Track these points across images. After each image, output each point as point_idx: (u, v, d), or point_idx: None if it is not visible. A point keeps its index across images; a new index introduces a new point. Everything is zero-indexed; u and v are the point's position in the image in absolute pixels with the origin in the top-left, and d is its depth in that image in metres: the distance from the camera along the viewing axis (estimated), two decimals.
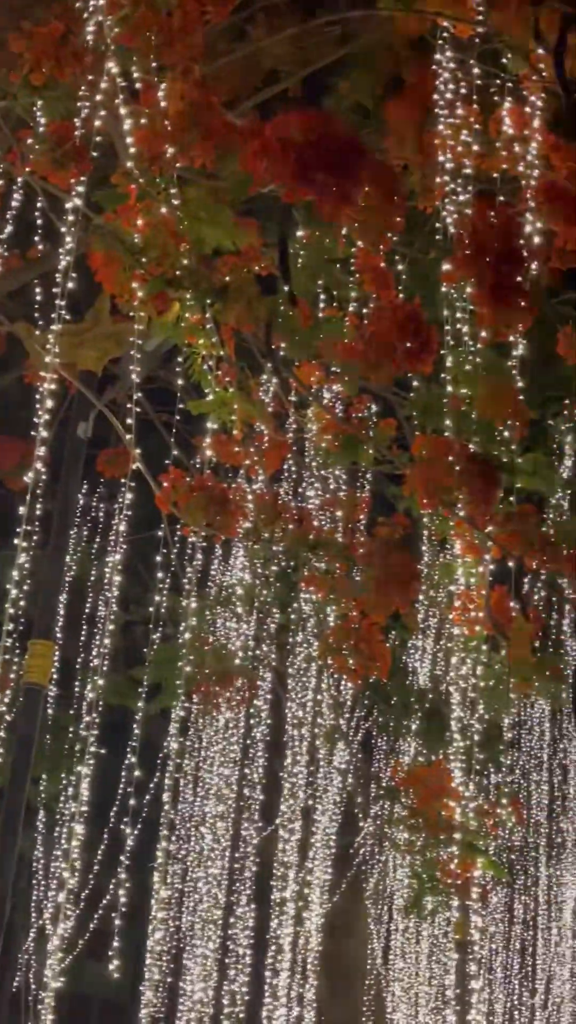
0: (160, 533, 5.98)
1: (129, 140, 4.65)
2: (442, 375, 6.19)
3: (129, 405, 5.34)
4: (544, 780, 18.11)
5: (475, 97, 5.69)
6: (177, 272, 4.50)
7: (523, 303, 4.50)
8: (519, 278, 4.46)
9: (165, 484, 5.10)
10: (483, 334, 5.16)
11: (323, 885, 14.32)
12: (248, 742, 12.03)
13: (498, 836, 15.57)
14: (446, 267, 4.67)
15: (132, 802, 7.61)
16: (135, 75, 4.78)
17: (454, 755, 6.53)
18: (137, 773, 8.39)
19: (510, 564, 6.35)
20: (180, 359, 5.47)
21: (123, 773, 9.79)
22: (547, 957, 19.11)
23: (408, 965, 16.40)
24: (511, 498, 6.25)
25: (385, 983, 16.88)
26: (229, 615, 7.91)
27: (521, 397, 6.28)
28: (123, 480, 5.25)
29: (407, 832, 6.88)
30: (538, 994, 19.03)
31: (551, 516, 8.88)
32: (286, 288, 5.05)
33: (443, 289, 5.48)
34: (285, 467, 8.68)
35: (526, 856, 18.76)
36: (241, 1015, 10.62)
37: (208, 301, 4.71)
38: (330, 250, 5.79)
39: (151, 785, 10.47)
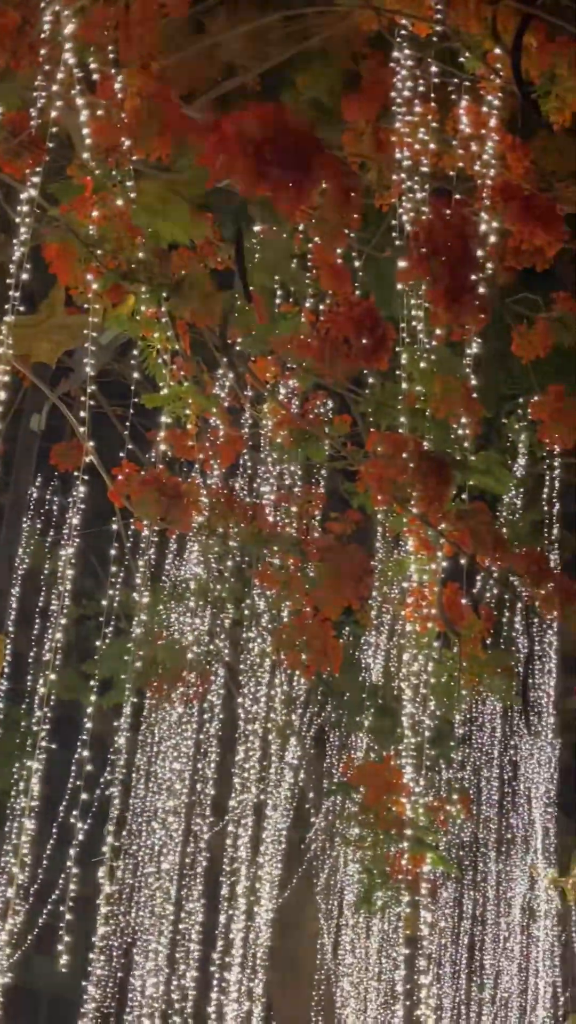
0: (114, 527, 5.96)
1: (85, 132, 4.63)
2: (397, 372, 6.22)
3: (83, 398, 5.32)
4: (494, 776, 18.24)
5: (432, 95, 5.71)
6: (132, 265, 4.48)
7: (478, 303, 4.53)
8: (474, 278, 4.48)
9: (119, 477, 5.09)
10: (438, 332, 5.18)
11: (273, 880, 14.34)
12: (200, 737, 12.02)
13: (448, 832, 15.67)
14: (401, 265, 4.68)
15: (83, 796, 7.58)
16: (92, 67, 4.75)
17: (405, 751, 6.56)
18: (88, 768, 8.36)
19: (462, 561, 6.39)
20: (135, 352, 5.46)
21: (74, 767, 9.76)
22: (496, 952, 19.26)
23: (358, 960, 16.47)
24: (463, 496, 6.29)
25: (335, 978, 16.94)
26: (182, 610, 7.90)
27: (475, 395, 6.32)
28: (76, 473, 5.24)
29: (358, 828, 6.91)
30: (487, 989, 19.18)
31: (503, 514, 8.95)
32: (242, 283, 5.05)
33: (399, 287, 5.50)
34: (240, 462, 8.70)
35: (475, 852, 18.89)
36: (190, 1010, 10.60)
37: (163, 295, 4.70)
38: (287, 246, 5.79)
39: (102, 780, 10.45)
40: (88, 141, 4.65)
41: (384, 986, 15.19)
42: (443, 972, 19.35)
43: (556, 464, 11.41)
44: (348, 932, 16.88)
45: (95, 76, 4.81)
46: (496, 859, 19.14)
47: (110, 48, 4.66)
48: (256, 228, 6.08)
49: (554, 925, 18.32)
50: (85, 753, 6.46)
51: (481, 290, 4.60)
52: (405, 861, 6.49)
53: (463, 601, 6.63)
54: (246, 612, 9.27)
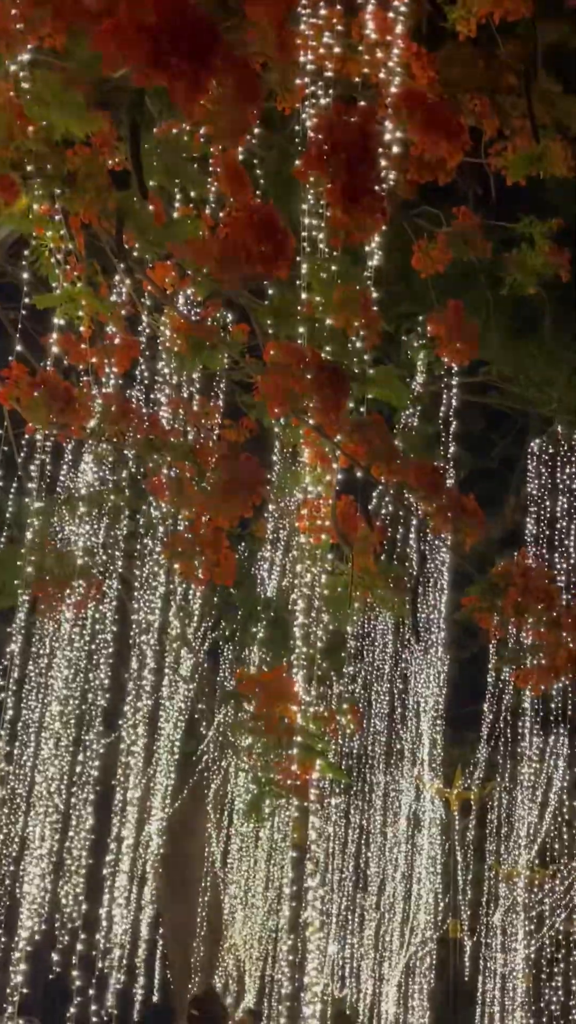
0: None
1: None
2: (297, 282, 6.15)
3: None
4: (384, 691, 18.59)
5: None
6: (24, 157, 4.33)
7: (376, 206, 4.47)
8: (373, 181, 4.42)
9: (7, 380, 4.97)
10: (338, 236, 5.11)
11: (165, 791, 14.48)
12: (93, 647, 12.00)
13: (338, 743, 15.94)
14: (299, 163, 4.60)
15: None
16: None
17: (296, 661, 6.61)
18: None
19: (358, 474, 6.40)
20: (27, 253, 5.31)
21: None
22: (381, 861, 19.79)
23: (247, 867, 16.80)
24: (362, 409, 6.29)
25: (224, 885, 17.25)
26: (75, 519, 7.81)
27: (374, 308, 6.28)
28: None
29: (249, 736, 6.97)
30: (371, 895, 19.73)
31: (400, 428, 8.99)
32: (138, 179, 4.92)
33: (301, 194, 5.41)
34: (137, 372, 8.57)
35: (364, 764, 19.30)
36: (79, 915, 10.71)
37: (57, 190, 4.56)
38: (186, 147, 5.65)
39: None
40: None
41: (272, 893, 15.53)
42: (331, 880, 19.84)
43: (454, 383, 11.49)
44: (237, 841, 17.19)
45: None
46: (384, 771, 19.61)
47: None
48: (155, 130, 5.93)
49: (438, 834, 18.89)
50: None
51: (378, 189, 4.54)
52: (294, 768, 6.57)
53: (357, 514, 6.66)
54: (141, 522, 9.24)
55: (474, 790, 17.94)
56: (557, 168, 6.63)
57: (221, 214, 5.77)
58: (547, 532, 13.48)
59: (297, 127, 5.59)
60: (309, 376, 5.53)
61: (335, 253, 5.96)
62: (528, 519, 13.47)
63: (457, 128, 5.25)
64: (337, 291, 5.82)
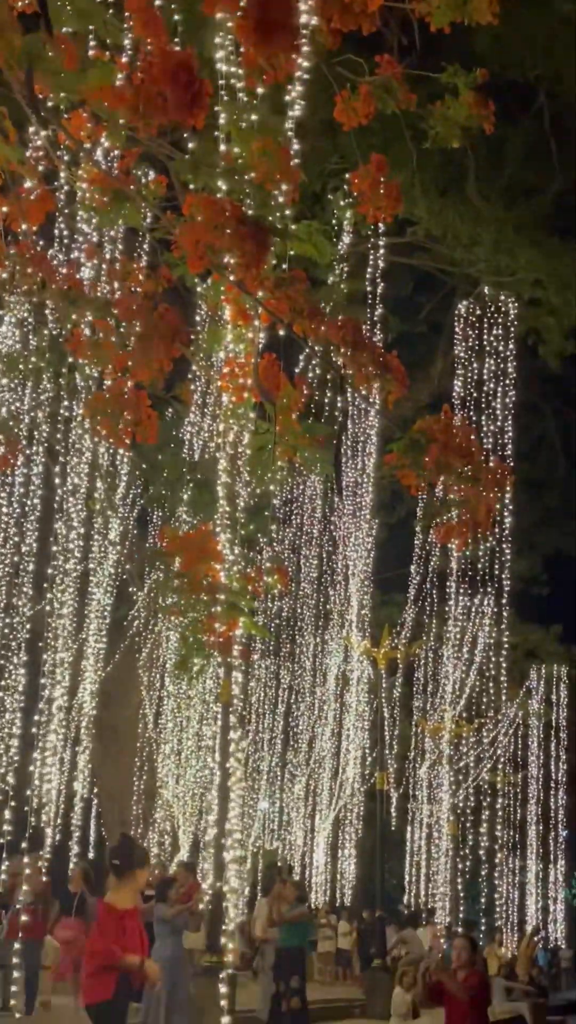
0: None
1: None
2: (216, 134, 5.99)
3: None
4: (313, 555, 18.82)
5: None
6: None
7: (291, 43, 4.35)
8: (286, 16, 4.29)
9: None
10: (254, 77, 4.98)
11: (97, 654, 14.64)
12: (23, 510, 11.97)
13: (268, 605, 16.14)
14: None
15: None
16: None
17: (220, 520, 6.64)
18: None
19: (280, 333, 6.35)
20: None
21: None
22: (311, 720, 20.29)
23: (179, 728, 17.14)
24: (283, 266, 6.20)
25: (156, 745, 17.61)
26: None
27: (297, 161, 6.15)
28: None
29: (175, 596, 7.01)
30: (301, 752, 20.28)
31: (323, 284, 8.91)
32: (44, 18, 4.73)
33: (215, 40, 5.25)
34: (56, 229, 8.37)
35: (294, 626, 19.64)
36: (12, 777, 10.87)
37: None
38: None
39: None
40: None
41: (202, 752, 15.88)
42: (261, 738, 20.34)
43: (381, 244, 11.37)
44: (169, 702, 17.50)
45: None
46: (314, 632, 19.97)
47: None
48: None
49: (366, 692, 19.35)
50: None
51: (293, 24, 4.40)
52: (218, 625, 6.65)
53: (279, 372, 6.62)
54: (62, 384, 9.13)
55: (401, 649, 18.34)
56: (482, 15, 6.45)
57: (137, 62, 5.59)
58: (474, 394, 13.56)
59: None
60: (229, 231, 5.43)
61: (254, 102, 5.81)
62: (455, 381, 13.52)
63: None
64: (257, 142, 5.69)
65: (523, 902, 27.49)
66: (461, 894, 21.16)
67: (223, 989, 7.08)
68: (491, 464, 6.93)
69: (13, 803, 9.77)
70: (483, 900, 26.05)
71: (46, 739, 11.14)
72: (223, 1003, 7.22)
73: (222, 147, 5.94)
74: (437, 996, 7.68)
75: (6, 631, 11.91)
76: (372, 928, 17.54)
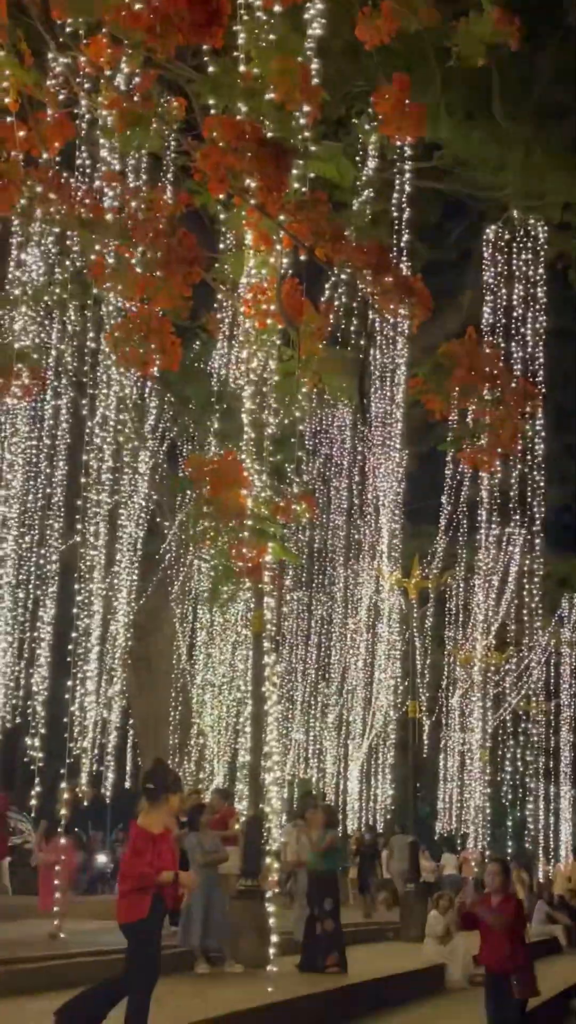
0: None
1: None
2: (236, 54, 5.92)
3: None
4: (343, 486, 18.79)
5: None
6: None
7: None
8: None
9: None
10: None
11: (130, 587, 14.73)
12: (52, 443, 12.00)
13: (297, 537, 16.17)
14: None
15: None
16: None
17: (245, 446, 6.66)
18: None
19: (301, 257, 6.31)
20: None
21: None
22: (343, 651, 20.39)
23: (213, 658, 17.30)
24: (304, 189, 6.15)
25: (190, 676, 17.78)
26: (19, 314, 7.68)
27: (318, 81, 6.08)
28: None
29: (204, 523, 7.05)
30: (334, 683, 20.41)
31: (347, 208, 8.78)
32: None
33: None
34: (77, 155, 8.30)
35: (324, 558, 19.67)
36: (43, 704, 11.01)
37: None
38: None
39: None
40: None
41: (237, 679, 16.01)
42: (295, 669, 20.48)
43: (407, 168, 11.17)
44: (202, 634, 17.64)
45: None
46: (344, 564, 19.99)
47: None
48: None
49: (398, 622, 19.39)
50: None
51: None
52: (247, 552, 6.69)
53: (303, 297, 6.60)
54: (88, 315, 9.09)
55: (432, 580, 18.33)
56: None
57: None
58: (503, 320, 13.39)
59: None
60: (249, 153, 5.39)
61: (272, 21, 5.74)
62: (484, 307, 13.35)
63: None
64: (276, 61, 5.63)
65: (558, 828, 27.69)
66: (490, 820, 21.33)
67: (269, 908, 7.22)
68: (518, 385, 6.89)
69: (44, 731, 9.94)
70: (516, 825, 26.32)
71: (84, 668, 11.26)
72: (265, 923, 7.34)
73: (241, 67, 5.88)
74: (472, 924, 7.77)
75: (41, 562, 12.00)
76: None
